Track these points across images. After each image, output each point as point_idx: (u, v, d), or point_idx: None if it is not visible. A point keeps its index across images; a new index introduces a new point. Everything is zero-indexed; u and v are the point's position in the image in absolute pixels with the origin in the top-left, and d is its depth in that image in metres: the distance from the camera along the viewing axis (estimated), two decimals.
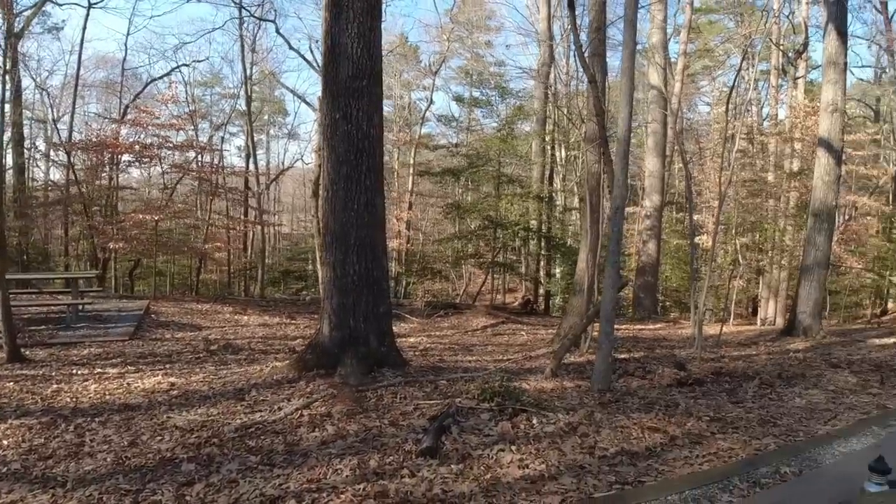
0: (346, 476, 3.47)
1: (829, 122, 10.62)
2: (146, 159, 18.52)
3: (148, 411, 4.90)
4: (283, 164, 32.52)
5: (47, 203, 18.91)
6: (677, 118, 15.85)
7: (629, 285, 16.99)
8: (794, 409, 5.09)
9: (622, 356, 7.70)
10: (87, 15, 19.28)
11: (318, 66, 14.71)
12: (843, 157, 13.65)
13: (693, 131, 25.83)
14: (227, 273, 24.19)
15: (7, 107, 16.15)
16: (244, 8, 19.98)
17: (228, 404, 5.06)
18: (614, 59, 21.68)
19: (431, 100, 24.99)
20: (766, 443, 4.12)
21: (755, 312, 20.30)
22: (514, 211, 18.33)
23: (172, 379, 6.10)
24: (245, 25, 21.57)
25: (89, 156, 17.94)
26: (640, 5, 9.64)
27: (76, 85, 20.14)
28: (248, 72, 22.89)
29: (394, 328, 6.96)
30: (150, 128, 17.04)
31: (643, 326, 13.42)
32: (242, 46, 21.85)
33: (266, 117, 33.19)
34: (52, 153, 22.49)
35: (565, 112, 19.02)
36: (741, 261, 17.44)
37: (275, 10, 25.21)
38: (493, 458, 3.74)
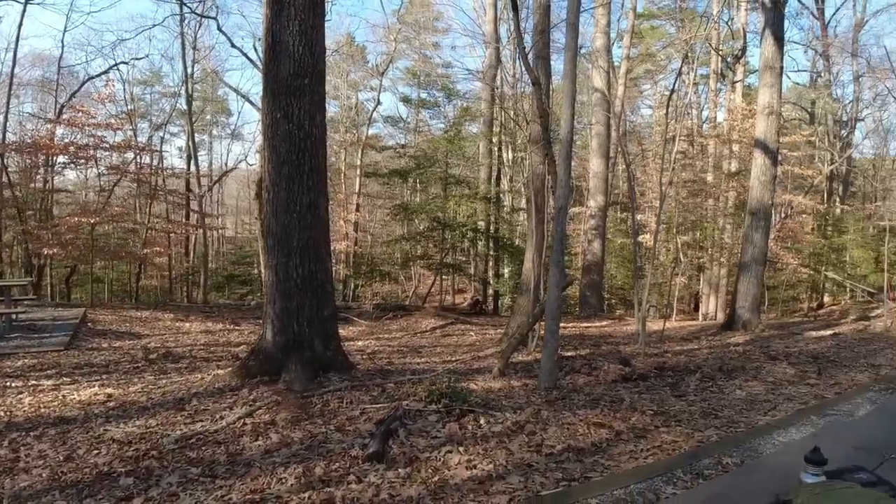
0: (291, 485, 3.39)
1: (766, 124, 11.06)
2: (82, 161, 17.80)
3: (84, 424, 4.68)
4: (226, 165, 31.88)
5: None
6: (620, 121, 16.27)
7: (575, 284, 17.29)
8: (735, 401, 5.27)
9: (569, 354, 7.82)
10: (24, 11, 18.09)
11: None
12: (780, 158, 14.36)
13: (636, 133, 26.59)
14: (168, 279, 23.45)
15: None
16: (185, 4, 19.19)
17: (168, 415, 4.87)
18: (559, 63, 22.17)
19: (379, 100, 24.88)
20: (708, 435, 4.25)
21: (697, 308, 21.09)
22: (462, 212, 18.34)
23: (109, 390, 5.82)
24: (186, 22, 20.93)
25: (23, 157, 17.10)
26: (583, 10, 9.83)
27: (10, 83, 18.90)
28: (189, 70, 22.33)
29: (341, 332, 6.87)
30: (86, 128, 16.23)
31: (589, 324, 13.66)
32: (183, 44, 21.25)
33: (208, 117, 32.34)
34: None
35: (511, 114, 19.15)
36: (682, 258, 18.07)
37: (216, 7, 24.42)
38: (440, 460, 3.72)
